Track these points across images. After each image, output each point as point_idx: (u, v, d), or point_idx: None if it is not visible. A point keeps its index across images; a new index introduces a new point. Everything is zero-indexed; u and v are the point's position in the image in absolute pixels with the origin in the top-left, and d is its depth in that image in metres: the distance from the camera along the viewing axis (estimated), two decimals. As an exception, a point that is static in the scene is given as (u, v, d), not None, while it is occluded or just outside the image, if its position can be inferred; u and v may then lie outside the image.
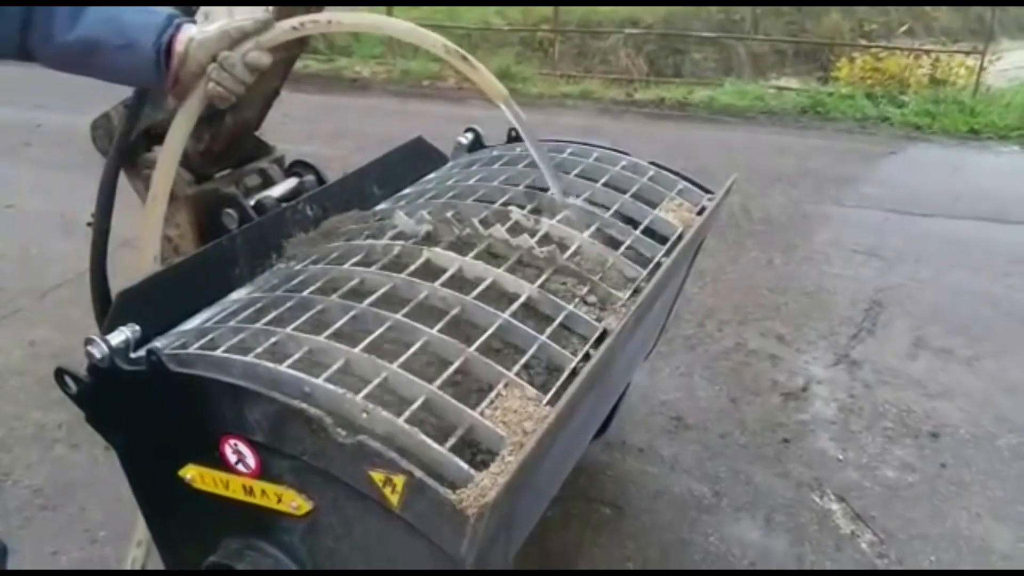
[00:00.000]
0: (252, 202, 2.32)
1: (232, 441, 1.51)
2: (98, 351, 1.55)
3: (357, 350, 1.51)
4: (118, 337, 1.58)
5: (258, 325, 1.61)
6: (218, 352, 1.52)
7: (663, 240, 2.14)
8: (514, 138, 2.69)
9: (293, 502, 1.51)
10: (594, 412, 2.14)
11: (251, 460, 1.51)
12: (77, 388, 1.65)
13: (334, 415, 1.37)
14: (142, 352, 1.56)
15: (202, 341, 1.62)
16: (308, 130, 6.29)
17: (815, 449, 2.99)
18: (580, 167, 2.39)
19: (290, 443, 1.42)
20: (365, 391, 1.42)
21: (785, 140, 6.77)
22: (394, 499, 1.34)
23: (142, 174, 2.34)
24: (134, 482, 1.75)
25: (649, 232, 2.15)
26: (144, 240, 1.80)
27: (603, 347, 1.64)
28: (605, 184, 2.31)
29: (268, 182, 2.47)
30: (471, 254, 1.90)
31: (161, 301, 1.77)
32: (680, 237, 2.15)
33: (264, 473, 1.52)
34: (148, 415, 1.60)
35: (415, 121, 6.58)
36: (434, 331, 1.60)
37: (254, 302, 1.77)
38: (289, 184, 2.46)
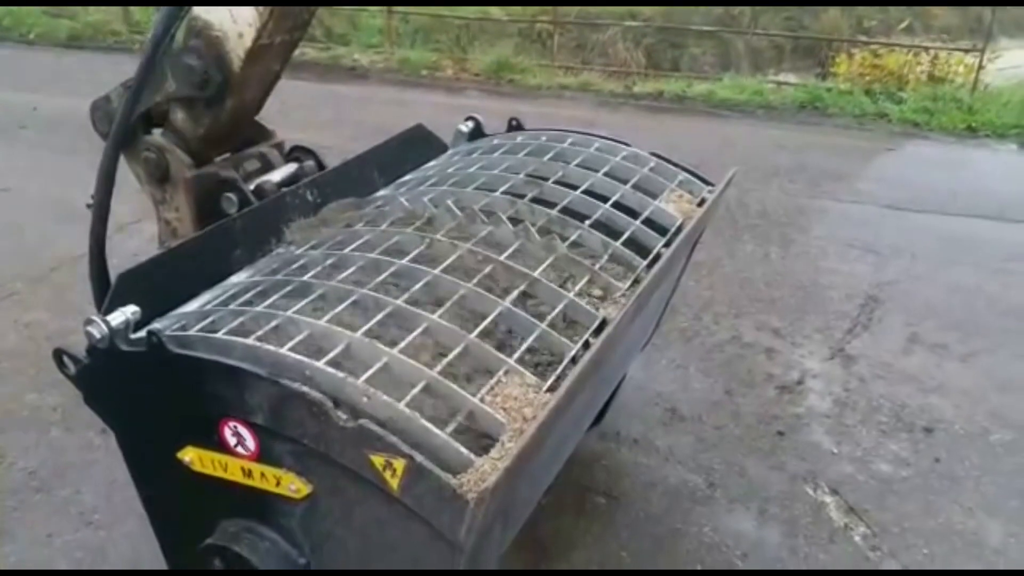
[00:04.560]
0: (252, 187, 2.31)
1: (232, 424, 1.51)
2: (98, 331, 1.55)
3: (358, 335, 1.51)
4: (118, 318, 1.57)
5: (259, 308, 1.61)
6: (219, 334, 1.52)
7: (663, 231, 2.14)
8: (514, 127, 2.69)
9: (292, 485, 1.51)
10: (592, 401, 2.14)
11: (250, 443, 1.51)
12: (76, 369, 1.64)
13: (335, 399, 1.38)
14: (142, 333, 1.56)
15: (203, 323, 1.61)
16: (305, 117, 6.26)
17: (809, 442, 3.01)
18: (581, 156, 2.39)
19: (290, 426, 1.43)
20: (366, 375, 1.42)
21: (783, 135, 6.77)
22: (394, 483, 1.34)
23: (141, 157, 2.33)
24: (131, 464, 1.74)
25: (649, 222, 2.15)
26: None
27: (603, 336, 1.64)
28: (606, 174, 2.31)
29: (268, 167, 2.45)
30: (472, 242, 1.90)
31: (161, 283, 1.77)
32: (680, 228, 2.15)
33: (263, 456, 1.52)
34: (147, 396, 1.59)
35: (412, 110, 6.55)
36: (435, 317, 1.60)
37: (255, 285, 1.77)
38: (288, 169, 2.45)
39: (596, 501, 2.69)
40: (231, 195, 2.28)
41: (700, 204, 2.30)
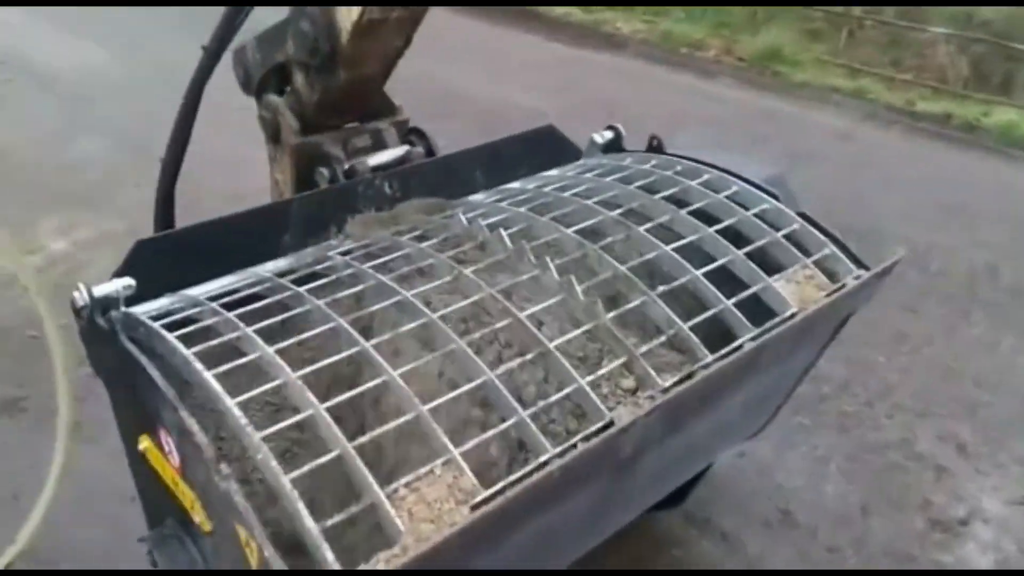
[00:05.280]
0: (347, 166, 2.21)
1: (163, 430, 1.42)
2: (80, 299, 1.52)
3: (297, 375, 1.34)
4: (105, 289, 1.53)
5: (230, 315, 1.49)
6: (173, 335, 1.42)
7: (766, 317, 1.70)
8: (654, 148, 2.32)
9: (198, 516, 1.40)
10: (603, 512, 1.78)
11: (176, 456, 1.42)
12: (78, 324, 1.65)
13: (222, 449, 1.23)
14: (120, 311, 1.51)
15: (184, 314, 1.53)
16: (534, 80, 6.08)
17: (941, 605, 2.37)
18: (705, 201, 1.98)
19: (190, 459, 1.31)
20: (272, 428, 1.24)
21: (1092, 195, 5.42)
22: (252, 560, 1.17)
23: (261, 114, 2.33)
24: (119, 426, 1.74)
25: (751, 304, 1.72)
26: None
27: (593, 442, 1.32)
28: (723, 229, 1.88)
29: (380, 145, 2.34)
30: (503, 285, 1.63)
31: (186, 256, 1.72)
32: (789, 319, 1.70)
33: (185, 473, 1.42)
34: (115, 373, 1.56)
35: (648, 88, 6.12)
36: (396, 374, 1.37)
37: (262, 283, 1.66)
38: (396, 152, 2.31)
39: (640, 591, 2.33)
40: (324, 170, 2.21)
41: (836, 292, 1.81)
